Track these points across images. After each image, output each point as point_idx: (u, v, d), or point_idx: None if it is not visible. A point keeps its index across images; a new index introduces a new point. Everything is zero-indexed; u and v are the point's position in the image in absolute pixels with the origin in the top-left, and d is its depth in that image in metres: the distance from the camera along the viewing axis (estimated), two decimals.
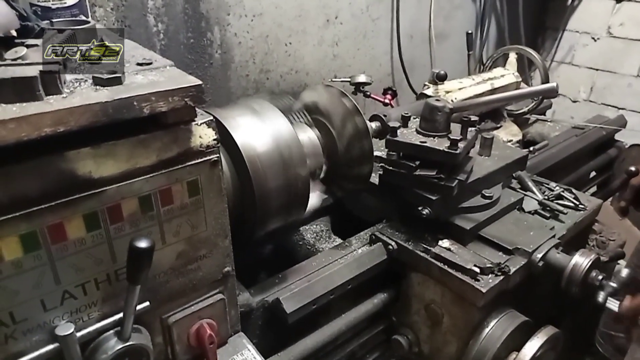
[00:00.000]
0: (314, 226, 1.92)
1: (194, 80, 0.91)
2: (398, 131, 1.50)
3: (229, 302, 1.17)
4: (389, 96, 2.29)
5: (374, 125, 1.70)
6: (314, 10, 2.52)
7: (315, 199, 1.43)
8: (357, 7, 2.71)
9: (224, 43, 2.23)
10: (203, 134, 0.97)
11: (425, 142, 1.44)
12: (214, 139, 0.98)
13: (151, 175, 0.91)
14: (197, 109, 1.00)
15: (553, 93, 1.37)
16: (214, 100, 2.27)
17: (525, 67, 3.24)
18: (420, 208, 1.45)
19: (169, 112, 0.90)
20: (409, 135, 1.50)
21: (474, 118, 1.51)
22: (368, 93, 2.24)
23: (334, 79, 2.31)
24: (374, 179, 1.65)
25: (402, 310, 1.62)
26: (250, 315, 1.36)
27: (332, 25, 2.64)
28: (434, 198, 1.44)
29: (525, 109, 2.63)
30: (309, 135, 1.47)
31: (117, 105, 0.81)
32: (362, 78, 2.18)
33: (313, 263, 1.53)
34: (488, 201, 1.58)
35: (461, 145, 1.41)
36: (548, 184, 1.87)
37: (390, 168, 1.52)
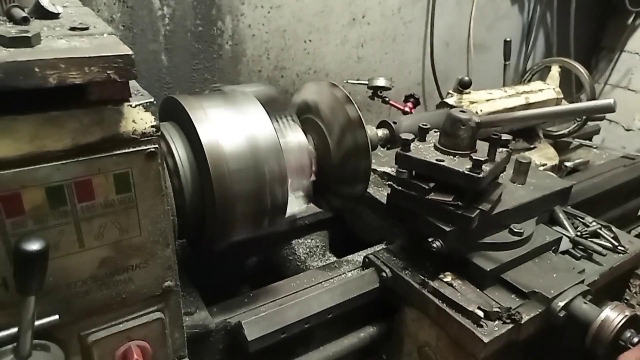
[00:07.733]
0: (309, 240, 1.73)
1: (123, 49, 0.74)
2: (412, 145, 1.27)
3: (171, 322, 0.99)
4: (410, 104, 2.05)
5: (380, 132, 1.49)
6: (339, 6, 2.34)
7: (297, 207, 1.23)
8: (387, 7, 2.51)
9: (236, 34, 2.08)
10: (138, 119, 0.80)
11: (442, 161, 1.21)
12: (153, 126, 0.81)
13: (64, 162, 0.75)
14: (139, 90, 0.83)
15: (609, 111, 1.09)
16: None
17: (572, 87, 2.92)
18: (430, 240, 1.22)
19: (92, 87, 0.74)
20: (425, 151, 1.27)
21: (505, 136, 1.26)
22: (387, 99, 2.02)
23: (349, 81, 2.11)
24: (382, 196, 1.43)
25: (394, 349, 1.40)
26: (208, 338, 1.17)
27: (358, 24, 2.44)
28: (448, 229, 1.21)
29: (566, 131, 2.33)
30: (298, 139, 1.27)
31: (9, 69, 0.64)
32: (381, 82, 1.97)
33: (292, 284, 1.33)
34: (517, 238, 1.32)
35: (486, 168, 1.17)
36: (583, 218, 1.60)
37: (399, 188, 1.28)
